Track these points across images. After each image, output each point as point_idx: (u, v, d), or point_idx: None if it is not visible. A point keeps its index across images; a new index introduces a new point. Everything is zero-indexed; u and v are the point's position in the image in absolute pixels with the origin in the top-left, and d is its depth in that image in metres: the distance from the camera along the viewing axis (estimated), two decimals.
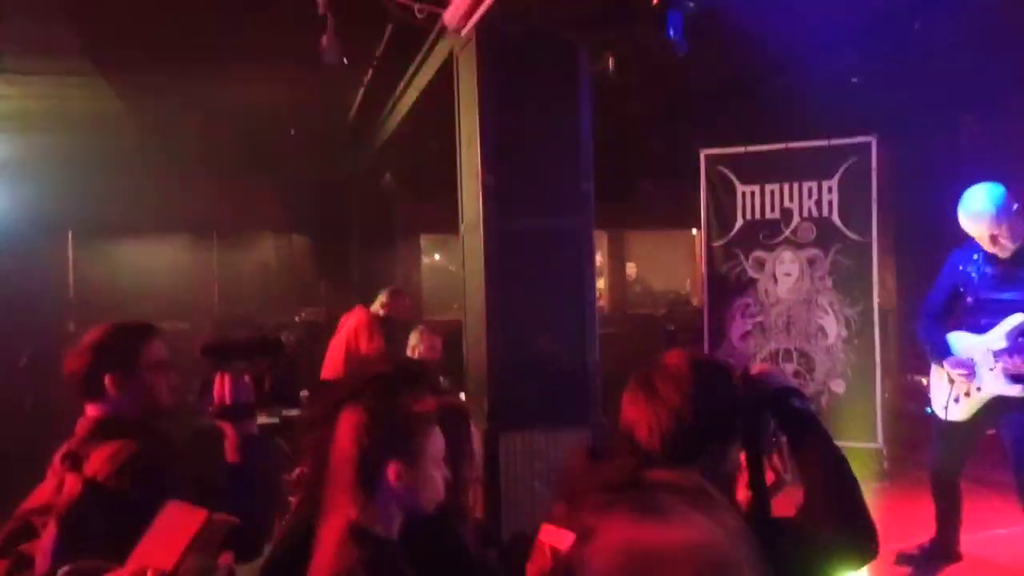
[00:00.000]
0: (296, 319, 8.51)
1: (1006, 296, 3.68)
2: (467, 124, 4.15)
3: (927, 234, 5.10)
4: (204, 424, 2.50)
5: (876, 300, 6.03)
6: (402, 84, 6.11)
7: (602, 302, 8.82)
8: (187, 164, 8.23)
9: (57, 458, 1.95)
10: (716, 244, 6.51)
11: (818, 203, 6.23)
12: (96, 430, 2.00)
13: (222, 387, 2.01)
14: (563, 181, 4.08)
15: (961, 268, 3.87)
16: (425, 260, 11.47)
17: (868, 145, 6.09)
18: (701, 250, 6.52)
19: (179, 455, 2.08)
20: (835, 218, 6.19)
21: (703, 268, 6.54)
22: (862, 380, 6.09)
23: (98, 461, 1.88)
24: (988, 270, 3.75)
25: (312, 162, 8.73)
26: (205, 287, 9.55)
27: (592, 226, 4.21)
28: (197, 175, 8.37)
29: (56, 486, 1.86)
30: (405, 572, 1.55)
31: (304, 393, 2.95)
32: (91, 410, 2.06)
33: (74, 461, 1.89)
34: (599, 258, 9.11)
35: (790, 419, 1.71)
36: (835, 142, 6.18)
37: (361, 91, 6.65)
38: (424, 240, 10.91)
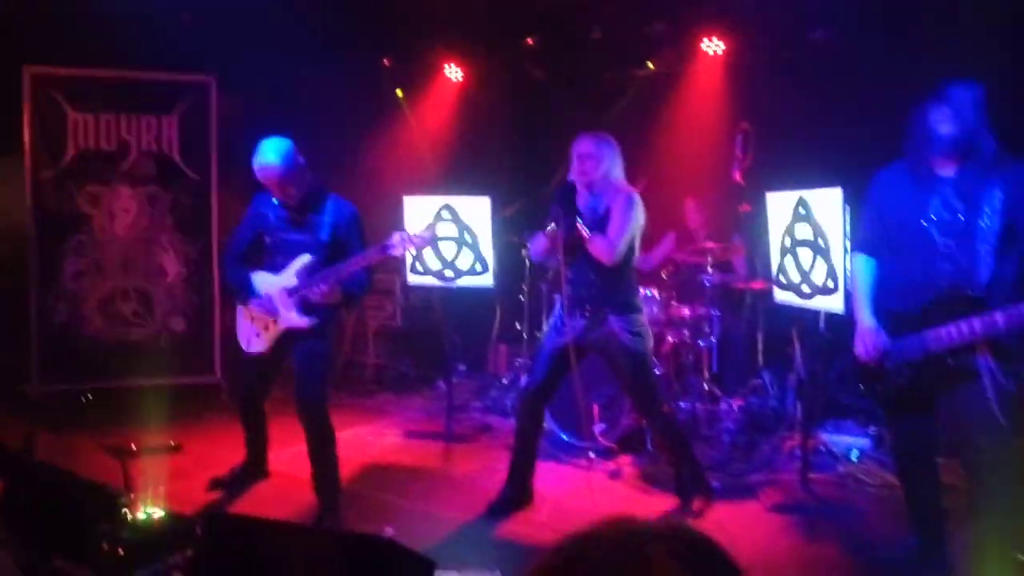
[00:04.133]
0: None
1: (296, 238, 4.06)
2: None
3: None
4: None
5: (215, 238, 6.20)
6: None
7: None
8: None
9: None
10: (45, 175, 5.93)
11: (158, 138, 6.11)
12: None
13: None
14: None
15: (260, 210, 4.14)
16: None
17: (207, 85, 6.15)
18: (28, 181, 5.86)
19: None
20: (175, 155, 6.15)
21: (29, 201, 5.90)
22: (201, 317, 6.24)
23: None
24: (282, 213, 4.08)
25: None
26: None
27: None
28: None
29: None
30: None
31: None
32: None
33: None
34: None
35: None
36: (174, 77, 6.11)
37: None
38: None
